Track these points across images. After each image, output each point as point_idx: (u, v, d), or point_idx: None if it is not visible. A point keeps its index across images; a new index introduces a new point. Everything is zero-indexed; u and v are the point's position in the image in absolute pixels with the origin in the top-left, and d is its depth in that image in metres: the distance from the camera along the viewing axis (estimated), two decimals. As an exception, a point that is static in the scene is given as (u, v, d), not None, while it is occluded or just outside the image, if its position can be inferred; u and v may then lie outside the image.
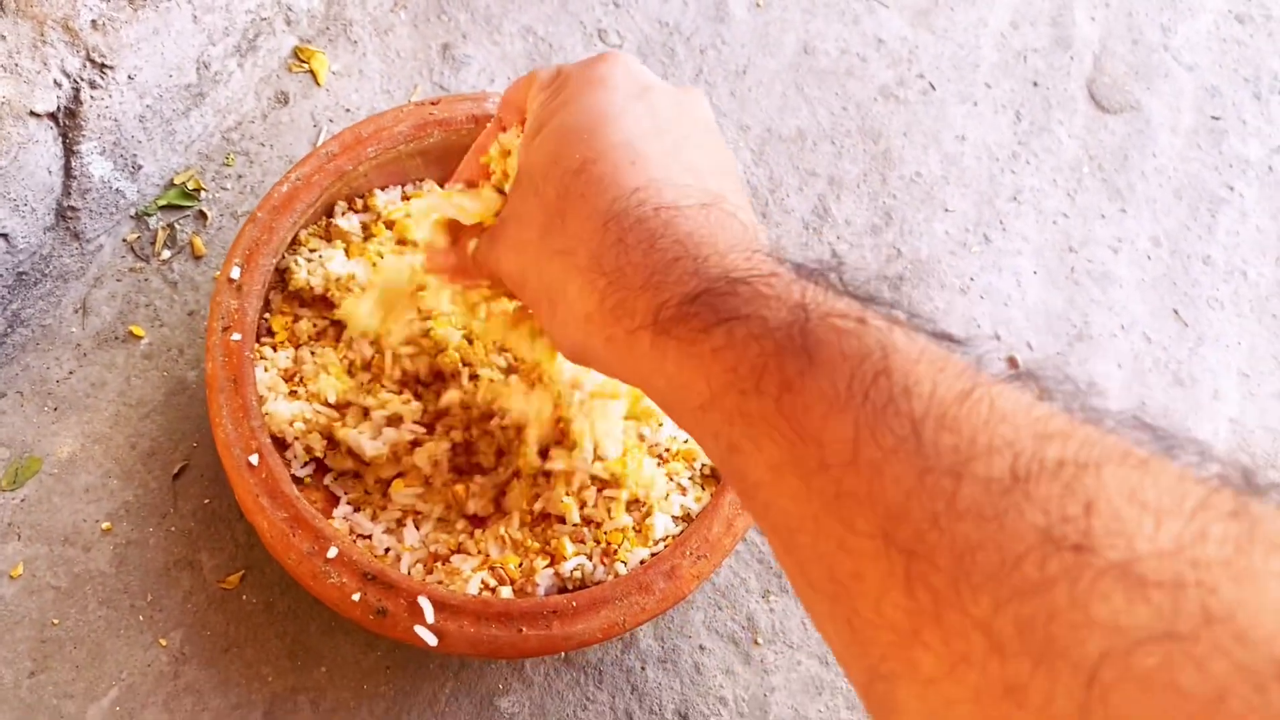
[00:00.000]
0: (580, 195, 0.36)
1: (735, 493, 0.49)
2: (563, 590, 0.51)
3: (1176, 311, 0.70)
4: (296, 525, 0.48)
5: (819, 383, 0.28)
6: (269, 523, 0.48)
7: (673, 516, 0.53)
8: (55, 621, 0.52)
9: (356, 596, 0.47)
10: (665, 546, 0.52)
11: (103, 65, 0.54)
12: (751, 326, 0.30)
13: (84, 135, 0.54)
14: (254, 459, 0.49)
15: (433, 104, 0.57)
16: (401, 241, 0.56)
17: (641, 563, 0.51)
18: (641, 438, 0.54)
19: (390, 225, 0.57)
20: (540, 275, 0.38)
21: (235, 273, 0.52)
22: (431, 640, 0.47)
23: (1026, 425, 0.25)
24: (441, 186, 0.59)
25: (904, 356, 0.28)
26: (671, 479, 0.54)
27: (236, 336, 0.51)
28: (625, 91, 0.39)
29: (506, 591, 0.50)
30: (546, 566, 0.51)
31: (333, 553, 0.48)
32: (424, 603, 0.47)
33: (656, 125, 0.38)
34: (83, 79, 0.53)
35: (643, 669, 0.55)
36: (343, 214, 0.57)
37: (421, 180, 0.59)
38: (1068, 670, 0.21)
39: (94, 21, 0.53)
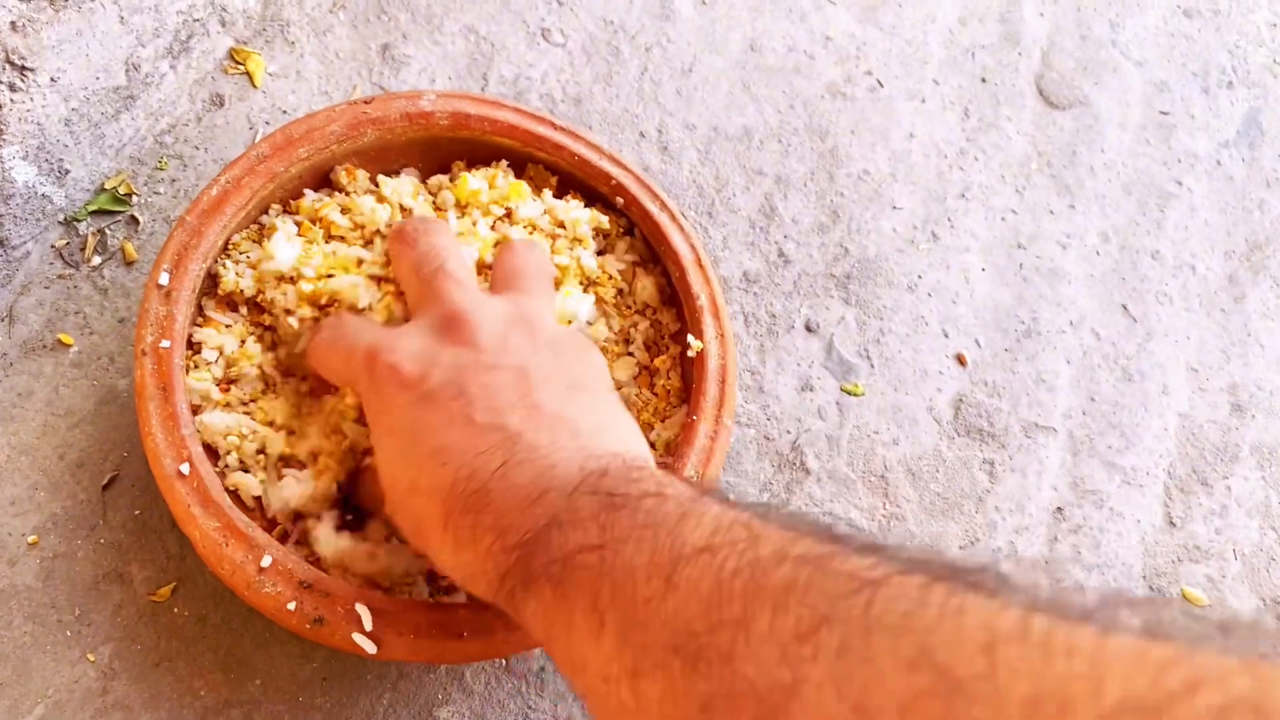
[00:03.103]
0: (424, 518, 0.42)
1: None
2: None
3: (1125, 307, 0.70)
4: (229, 534, 0.47)
5: (573, 618, 0.35)
6: (201, 533, 0.47)
7: None
8: (-21, 638, 0.51)
9: (292, 605, 0.46)
10: None
11: (23, 67, 0.52)
12: (538, 592, 0.37)
13: (4, 139, 0.53)
14: (185, 468, 0.48)
15: (366, 103, 0.56)
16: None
17: None
18: None
19: (316, 220, 0.55)
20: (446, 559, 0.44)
21: (164, 279, 0.51)
22: (370, 648, 0.46)
23: (695, 613, 0.30)
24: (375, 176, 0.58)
25: (623, 575, 0.33)
26: None
27: (166, 343, 0.50)
28: (404, 399, 0.43)
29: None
30: None
31: (266, 561, 0.46)
32: (361, 610, 0.46)
33: (448, 414, 0.42)
34: (1, 82, 0.52)
35: (585, 676, 0.55)
36: (277, 215, 0.56)
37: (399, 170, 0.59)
38: None
39: (13, 23, 0.52)
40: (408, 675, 0.53)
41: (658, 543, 0.33)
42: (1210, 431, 0.67)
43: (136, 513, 0.54)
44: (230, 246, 0.55)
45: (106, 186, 0.60)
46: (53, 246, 0.59)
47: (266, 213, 0.56)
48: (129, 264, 0.59)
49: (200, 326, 0.53)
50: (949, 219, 0.70)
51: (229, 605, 0.53)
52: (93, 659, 0.51)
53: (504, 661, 0.54)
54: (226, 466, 0.51)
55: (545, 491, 0.38)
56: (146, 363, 0.49)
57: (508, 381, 0.43)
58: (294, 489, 0.51)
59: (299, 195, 0.57)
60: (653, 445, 0.55)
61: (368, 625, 0.46)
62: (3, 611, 0.51)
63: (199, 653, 0.52)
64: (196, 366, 0.52)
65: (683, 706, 0.29)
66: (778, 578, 0.29)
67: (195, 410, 0.51)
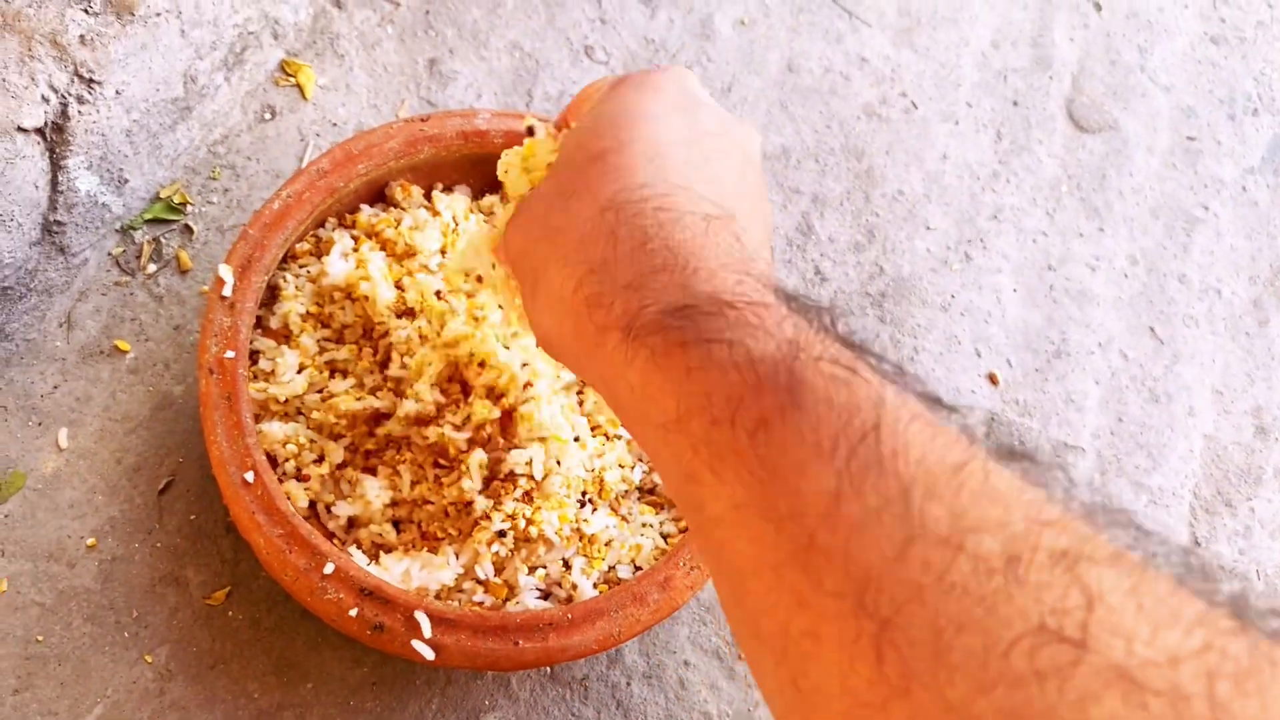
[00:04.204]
0: (590, 178, 0.36)
1: (688, 524, 0.50)
2: (544, 596, 0.52)
3: (1153, 329, 0.71)
4: (293, 542, 0.48)
5: (801, 427, 0.27)
6: (265, 540, 0.48)
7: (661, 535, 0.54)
8: (40, 638, 0.52)
9: (353, 612, 0.47)
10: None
11: (90, 80, 0.54)
12: (734, 353, 0.29)
13: (71, 150, 0.54)
14: (249, 476, 0.49)
15: (423, 120, 0.57)
16: (391, 254, 0.57)
17: (637, 570, 0.52)
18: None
19: (373, 235, 0.57)
20: (533, 251, 0.38)
21: (228, 290, 0.52)
22: (429, 654, 0.47)
23: (1019, 507, 0.24)
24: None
25: (896, 417, 0.26)
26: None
27: (230, 354, 0.51)
28: (671, 101, 0.39)
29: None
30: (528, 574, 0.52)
31: (329, 569, 0.48)
32: (421, 617, 0.47)
33: (691, 135, 0.38)
34: (70, 94, 0.53)
35: (628, 684, 0.56)
36: (334, 229, 0.57)
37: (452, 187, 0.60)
38: None
39: (82, 37, 0.53)
40: (455, 681, 0.54)
41: (922, 415, 0.27)
42: (1235, 453, 0.69)
43: (192, 517, 0.55)
44: (292, 256, 0.56)
45: (162, 195, 0.61)
46: (110, 254, 0.60)
47: (323, 226, 0.57)
48: (183, 272, 0.60)
49: (261, 335, 0.54)
50: (981, 240, 0.71)
51: (282, 609, 0.54)
52: (150, 660, 0.52)
53: (549, 669, 0.55)
54: (283, 474, 0.52)
55: (744, 276, 0.32)
56: (211, 372, 0.50)
57: (735, 164, 0.39)
58: (376, 492, 0.52)
59: (355, 209, 0.58)
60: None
61: (427, 632, 0.47)
62: (63, 612, 0.52)
63: (253, 655, 0.53)
64: (255, 377, 0.53)
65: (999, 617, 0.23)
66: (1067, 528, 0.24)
67: (255, 419, 0.52)
